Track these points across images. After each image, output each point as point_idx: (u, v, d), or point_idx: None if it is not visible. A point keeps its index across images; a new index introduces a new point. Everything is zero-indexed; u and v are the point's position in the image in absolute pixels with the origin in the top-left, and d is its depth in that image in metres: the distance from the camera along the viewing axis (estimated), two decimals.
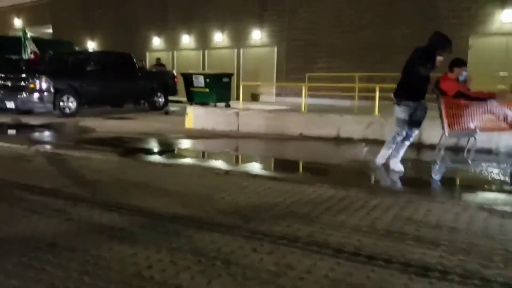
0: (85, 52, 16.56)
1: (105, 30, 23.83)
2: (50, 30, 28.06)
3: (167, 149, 8.09)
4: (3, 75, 11.96)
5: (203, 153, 7.69)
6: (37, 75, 11.48)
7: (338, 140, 8.56)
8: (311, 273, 2.84)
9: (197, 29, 20.79)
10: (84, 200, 4.42)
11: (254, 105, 12.66)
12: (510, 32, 13.06)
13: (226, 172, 5.61)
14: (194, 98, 16.84)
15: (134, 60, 14.76)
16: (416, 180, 5.61)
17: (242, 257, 3.09)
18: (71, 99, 12.25)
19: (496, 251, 3.17)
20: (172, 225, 3.72)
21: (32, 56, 14.71)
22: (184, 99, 17.47)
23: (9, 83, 11.84)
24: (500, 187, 5.10)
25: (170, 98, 16.74)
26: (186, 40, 21.24)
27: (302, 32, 17.39)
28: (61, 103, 12.13)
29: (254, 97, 18.63)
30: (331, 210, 4.13)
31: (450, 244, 3.29)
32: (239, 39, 19.43)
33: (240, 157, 7.32)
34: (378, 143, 8.17)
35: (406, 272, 2.86)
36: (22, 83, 11.57)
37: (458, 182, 5.54)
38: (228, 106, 16.26)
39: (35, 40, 17.92)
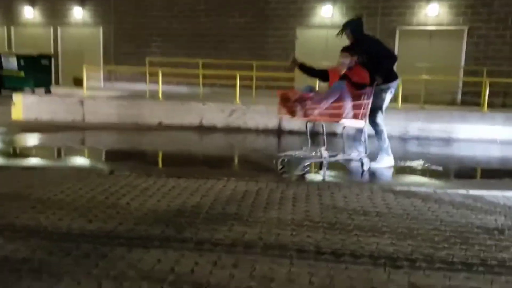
0: None
1: None
2: None
3: (10, 147, 6.64)
4: None
5: (63, 151, 6.53)
6: None
7: (202, 129, 8.29)
8: (295, 282, 2.59)
9: None
10: None
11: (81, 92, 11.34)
12: (329, 25, 14.51)
13: (111, 172, 4.82)
14: (4, 83, 14.39)
15: None
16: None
17: (208, 275, 2.64)
18: None
19: (431, 232, 3.41)
20: (89, 246, 2.99)
21: None
22: None
23: None
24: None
25: None
26: None
27: (131, 15, 16.29)
28: None
29: (77, 82, 16.78)
30: (257, 206, 3.89)
31: (391, 230, 3.41)
32: (55, 16, 17.17)
33: (111, 152, 6.45)
34: (240, 131, 8.24)
35: (379, 265, 2.83)
36: None
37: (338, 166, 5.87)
38: (49, 92, 14.35)
39: None
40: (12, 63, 14.16)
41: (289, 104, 5.02)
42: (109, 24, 16.66)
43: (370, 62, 5.19)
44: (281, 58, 14.46)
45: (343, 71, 5.06)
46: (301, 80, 13.00)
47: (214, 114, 8.46)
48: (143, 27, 16.14)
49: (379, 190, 4.47)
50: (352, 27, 5.37)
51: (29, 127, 7.97)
